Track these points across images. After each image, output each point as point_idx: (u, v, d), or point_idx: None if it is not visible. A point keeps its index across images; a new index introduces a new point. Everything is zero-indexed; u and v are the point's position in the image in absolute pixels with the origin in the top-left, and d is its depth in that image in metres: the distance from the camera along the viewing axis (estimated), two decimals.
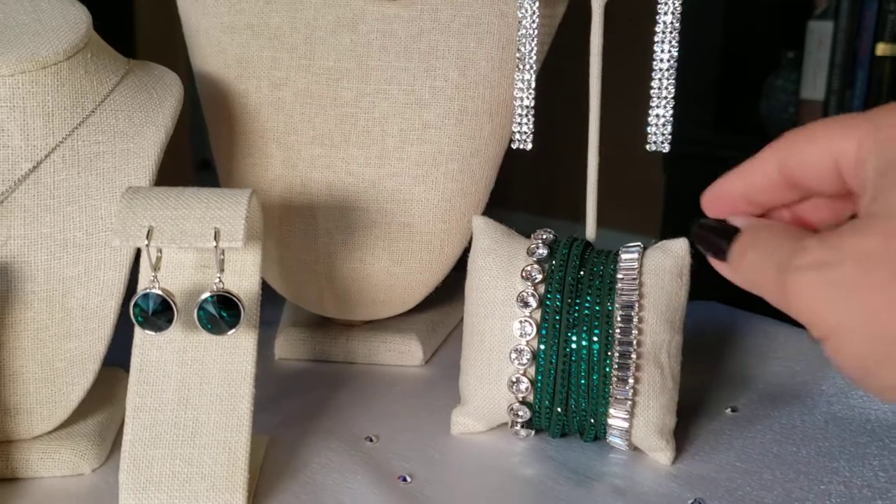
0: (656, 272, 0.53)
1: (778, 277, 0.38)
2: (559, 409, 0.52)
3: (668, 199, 2.29)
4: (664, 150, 0.58)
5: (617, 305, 0.52)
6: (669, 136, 0.57)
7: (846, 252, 0.35)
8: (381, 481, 0.51)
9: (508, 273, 0.54)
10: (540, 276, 0.53)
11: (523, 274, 0.53)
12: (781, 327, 0.72)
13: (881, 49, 1.96)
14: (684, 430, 0.55)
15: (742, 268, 0.42)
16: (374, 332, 0.67)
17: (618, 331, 0.51)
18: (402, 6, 0.61)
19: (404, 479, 0.51)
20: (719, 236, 0.44)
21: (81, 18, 0.54)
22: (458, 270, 0.65)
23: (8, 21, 0.53)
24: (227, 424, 0.48)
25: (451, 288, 0.69)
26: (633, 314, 0.51)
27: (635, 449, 0.54)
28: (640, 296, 0.52)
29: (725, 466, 0.53)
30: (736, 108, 2.18)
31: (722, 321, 0.75)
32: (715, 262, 0.45)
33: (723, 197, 0.46)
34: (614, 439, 0.53)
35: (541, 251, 0.53)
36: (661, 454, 0.53)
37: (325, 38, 0.61)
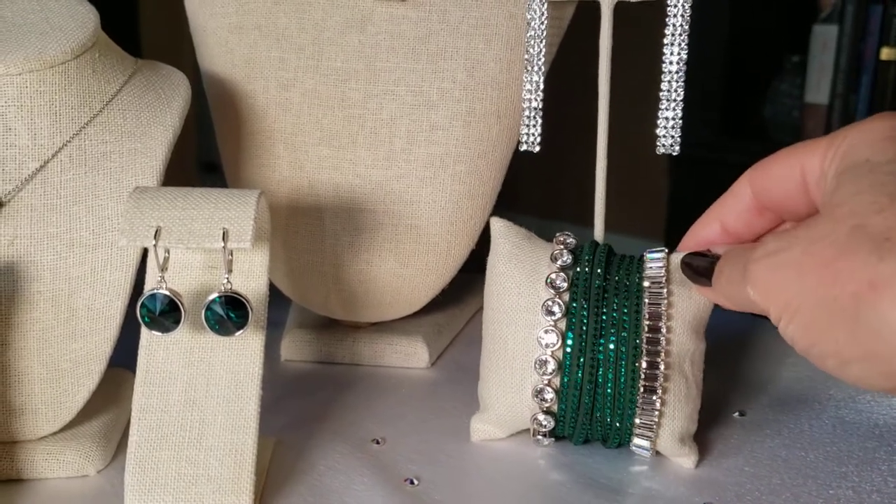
0: (684, 280, 0.51)
1: (742, 278, 0.42)
2: (584, 419, 0.52)
3: (673, 202, 2.29)
4: (674, 153, 0.57)
5: (644, 314, 0.51)
6: (679, 139, 0.57)
7: (797, 238, 0.39)
8: (387, 484, 0.51)
9: (532, 280, 0.53)
10: (565, 284, 0.52)
11: (547, 282, 0.52)
12: None
13: (886, 53, 1.96)
14: (695, 434, 0.55)
15: (720, 284, 0.46)
16: (380, 335, 0.67)
17: (645, 340, 0.50)
18: (411, 7, 0.60)
19: (411, 482, 0.51)
20: (703, 265, 0.48)
21: (89, 17, 0.54)
22: (465, 272, 0.65)
23: (16, 20, 0.52)
24: (233, 426, 0.48)
25: (458, 290, 0.69)
26: (660, 323, 0.50)
27: (657, 454, 0.53)
28: (668, 304, 0.51)
29: (734, 471, 0.53)
30: (741, 112, 2.18)
31: (731, 325, 0.75)
32: (703, 290, 0.49)
33: (701, 242, 0.50)
34: (638, 448, 0.52)
35: (565, 258, 0.52)
36: (684, 459, 0.53)
37: (334, 38, 0.61)
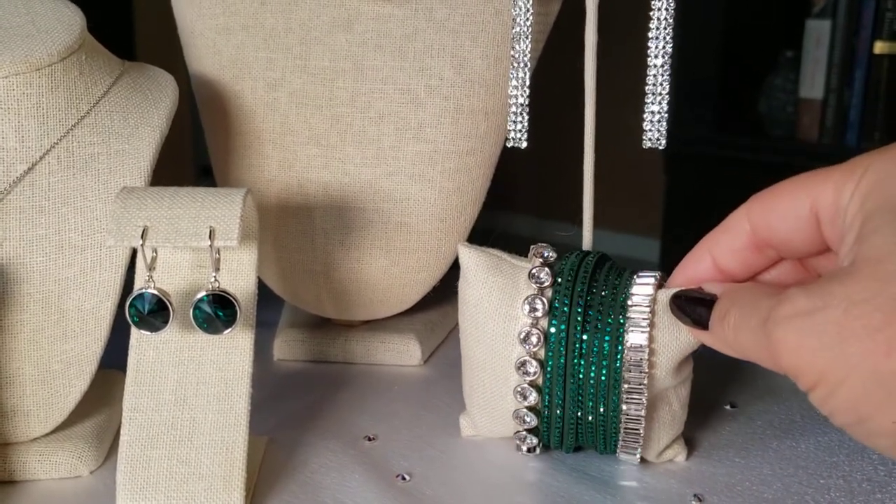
0: (672, 317, 0.47)
1: (761, 332, 0.37)
2: (569, 441, 0.51)
3: (669, 199, 2.29)
4: (660, 147, 0.58)
5: (627, 344, 0.47)
6: (665, 133, 0.57)
7: (833, 297, 0.34)
8: (380, 480, 0.51)
9: (507, 307, 0.50)
10: (542, 310, 0.48)
11: (523, 308, 0.49)
12: None
13: (879, 47, 1.96)
14: (685, 425, 0.55)
15: (725, 332, 0.41)
16: (372, 333, 0.67)
17: (628, 371, 0.47)
18: (397, 5, 0.61)
19: (403, 478, 0.51)
20: (698, 305, 0.43)
21: (75, 20, 0.54)
22: (457, 269, 0.65)
23: (1, 23, 0.53)
24: (224, 424, 0.48)
25: (450, 287, 0.69)
26: (642, 357, 0.47)
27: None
28: (651, 338, 0.47)
29: (725, 462, 0.53)
30: (735, 107, 2.19)
31: None
32: (696, 332, 0.45)
33: (693, 280, 0.46)
34: (625, 457, 0.51)
35: (543, 277, 0.49)
36: (674, 457, 0.53)
37: (321, 38, 0.61)
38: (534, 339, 0.49)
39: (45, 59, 0.51)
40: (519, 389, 0.50)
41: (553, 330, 0.48)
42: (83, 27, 0.54)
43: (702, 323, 0.43)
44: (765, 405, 0.60)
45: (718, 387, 0.63)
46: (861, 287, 0.33)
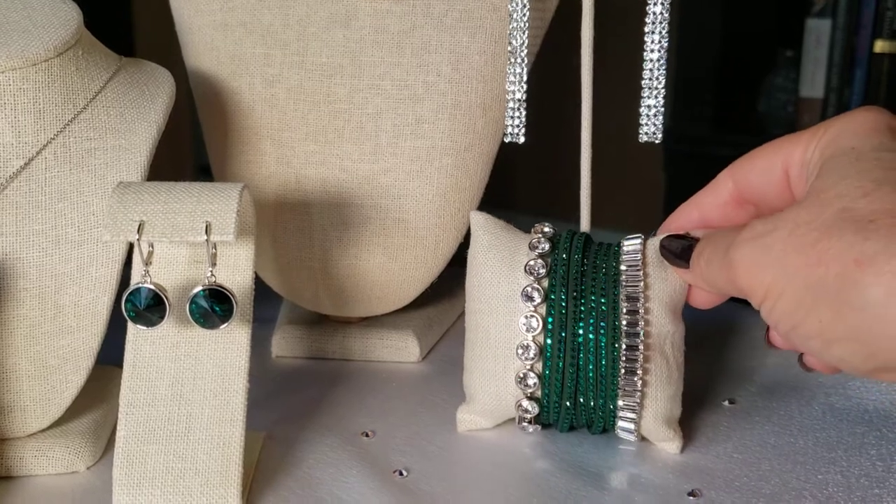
0: (659, 263, 0.52)
1: (725, 259, 0.42)
2: (568, 404, 0.52)
3: (669, 198, 2.29)
4: (656, 141, 0.58)
5: (622, 297, 0.51)
6: (661, 127, 0.57)
7: (782, 221, 0.39)
8: (377, 476, 0.51)
9: (511, 268, 0.53)
10: (543, 271, 0.52)
11: (526, 269, 0.52)
12: None
13: (879, 46, 1.96)
14: (682, 422, 0.55)
15: (701, 267, 0.47)
16: (370, 329, 0.67)
17: (624, 322, 0.51)
18: (395, 1, 0.60)
19: (400, 473, 0.51)
20: (682, 246, 0.49)
21: (72, 16, 0.54)
22: (455, 266, 0.65)
23: None
24: (220, 419, 0.48)
25: (448, 284, 0.69)
26: (638, 306, 0.51)
27: (643, 439, 0.54)
28: (645, 286, 0.52)
29: (723, 457, 0.53)
30: (735, 106, 2.18)
31: (721, 314, 0.74)
32: (680, 271, 0.51)
33: (680, 228, 0.52)
34: (623, 431, 0.52)
35: (543, 245, 0.53)
36: (669, 444, 0.53)
37: (318, 34, 0.61)
38: (536, 297, 0.52)
39: (41, 54, 0.51)
40: (522, 345, 0.52)
41: (553, 289, 0.52)
42: (80, 23, 0.54)
43: (685, 262, 0.49)
44: (763, 401, 0.60)
45: (717, 383, 0.63)
46: (805, 212, 0.38)
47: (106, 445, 0.54)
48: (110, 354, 0.53)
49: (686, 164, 2.19)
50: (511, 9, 0.58)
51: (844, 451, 0.54)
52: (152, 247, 0.48)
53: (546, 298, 0.52)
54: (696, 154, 2.15)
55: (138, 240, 0.46)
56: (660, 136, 0.57)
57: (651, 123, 0.58)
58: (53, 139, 0.51)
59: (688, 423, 0.56)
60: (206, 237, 0.46)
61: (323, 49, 0.61)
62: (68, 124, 0.52)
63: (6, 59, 0.50)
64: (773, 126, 2.13)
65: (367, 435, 0.56)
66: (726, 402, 0.60)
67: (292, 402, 0.60)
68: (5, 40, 0.51)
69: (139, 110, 0.54)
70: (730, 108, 2.19)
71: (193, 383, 0.49)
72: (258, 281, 0.58)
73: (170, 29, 0.67)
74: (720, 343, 0.70)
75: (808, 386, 0.62)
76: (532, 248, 0.53)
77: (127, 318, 0.47)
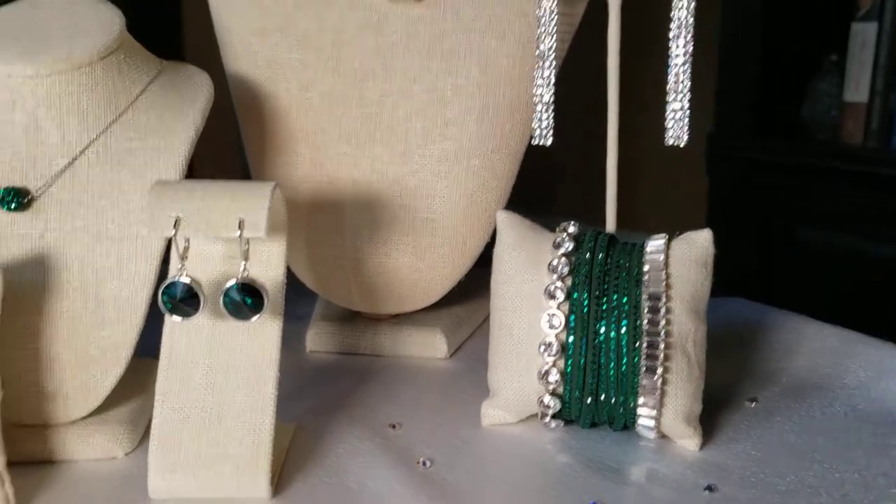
0: (682, 263, 0.53)
1: None
2: (589, 400, 0.53)
3: (712, 202, 2.28)
4: (681, 145, 0.59)
5: (644, 296, 0.52)
6: (687, 130, 0.58)
7: None
8: (402, 465, 0.52)
9: (535, 267, 0.55)
10: (567, 269, 0.53)
11: (550, 267, 0.54)
12: (808, 323, 0.73)
13: None
14: (704, 420, 0.56)
15: None
16: (400, 326, 0.69)
17: (646, 321, 0.52)
18: (425, 7, 0.62)
19: (424, 464, 0.53)
20: None
21: (115, 21, 0.56)
22: (485, 267, 0.67)
23: (46, 24, 0.55)
24: (252, 408, 0.50)
25: (478, 284, 0.70)
26: (660, 305, 0.52)
27: (663, 436, 0.54)
28: (667, 286, 0.53)
29: (741, 454, 0.54)
30: (778, 111, 2.17)
31: (749, 316, 0.76)
32: None
33: None
34: (643, 428, 0.53)
35: (567, 244, 0.54)
36: (688, 441, 0.54)
37: (351, 40, 0.63)
38: (559, 295, 0.53)
39: (85, 58, 0.53)
40: (544, 342, 0.53)
41: (576, 288, 0.53)
42: (122, 27, 0.56)
43: None
44: (786, 402, 0.61)
45: (742, 383, 0.63)
46: None
47: (143, 433, 0.56)
48: (147, 346, 0.55)
49: (729, 169, 2.18)
50: (539, 14, 0.59)
51: (864, 451, 0.54)
52: (188, 242, 0.50)
53: (569, 297, 0.53)
54: (738, 159, 2.14)
55: (175, 235, 0.48)
56: (685, 138, 0.58)
57: (677, 126, 0.59)
58: (96, 139, 0.54)
59: (710, 421, 0.57)
60: (239, 233, 0.48)
61: (356, 54, 0.63)
62: (110, 125, 0.54)
63: (53, 63, 0.53)
64: (817, 131, 2.11)
65: (394, 427, 0.57)
66: (749, 402, 0.60)
67: (324, 395, 0.62)
68: (52, 45, 0.54)
69: (178, 112, 0.56)
70: (773, 113, 2.18)
71: (226, 373, 0.51)
72: (294, 279, 0.60)
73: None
74: (748, 344, 0.70)
75: (832, 388, 0.63)
76: (556, 246, 0.54)
77: (163, 309, 0.49)
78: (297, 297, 0.54)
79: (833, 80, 2.09)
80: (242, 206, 0.48)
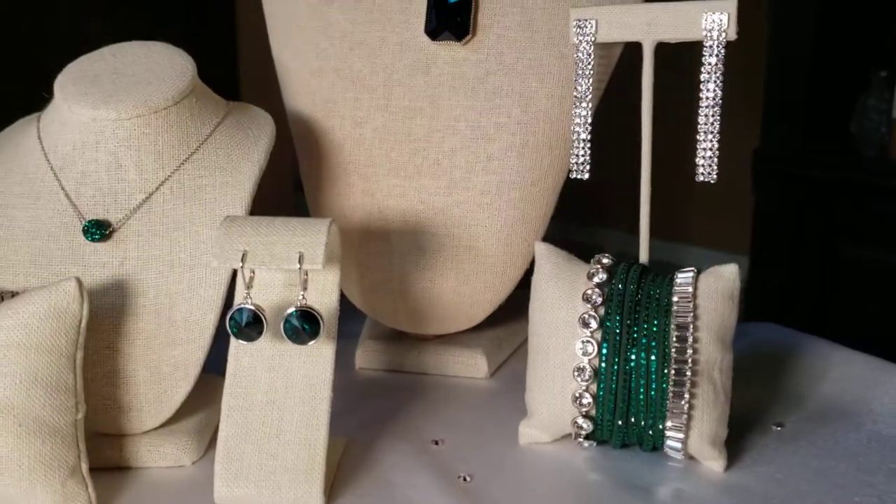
0: (709, 295, 0.57)
1: None
2: (620, 422, 0.57)
3: (759, 217, 2.28)
4: (711, 182, 0.62)
5: (673, 326, 0.56)
6: (716, 168, 0.61)
7: None
8: (443, 480, 0.56)
9: (570, 296, 0.58)
10: (600, 299, 0.57)
11: (584, 297, 0.57)
12: (837, 349, 0.75)
13: None
14: (730, 442, 0.59)
15: None
16: (444, 346, 0.73)
17: (674, 350, 0.55)
18: (471, 51, 0.67)
19: (465, 479, 0.57)
20: None
21: (188, 67, 0.62)
22: (524, 289, 0.71)
23: (126, 70, 0.61)
24: (307, 424, 0.55)
25: (518, 307, 0.74)
26: (688, 334, 0.56)
27: (690, 458, 0.58)
28: (695, 317, 0.56)
29: (764, 477, 0.56)
30: (826, 127, 2.17)
31: (779, 342, 0.78)
32: None
33: None
34: (671, 449, 0.57)
35: (601, 275, 0.58)
36: (714, 462, 0.57)
37: (402, 80, 0.68)
38: (592, 323, 0.57)
39: (161, 102, 0.59)
40: (578, 367, 0.57)
41: (609, 317, 0.57)
42: (194, 74, 0.62)
43: None
44: (811, 426, 0.63)
45: (769, 408, 0.66)
46: None
47: (208, 444, 0.61)
48: (213, 364, 0.60)
49: (776, 185, 2.18)
50: (577, 57, 0.63)
51: (885, 476, 0.56)
52: (253, 272, 0.55)
53: (602, 325, 0.57)
54: (786, 175, 2.14)
55: (242, 266, 0.53)
56: (714, 176, 0.62)
57: (707, 164, 0.62)
58: (170, 176, 0.59)
59: (736, 444, 0.60)
60: (298, 266, 0.53)
61: (406, 94, 0.68)
62: (183, 163, 0.59)
63: (132, 107, 0.58)
64: (866, 147, 2.10)
65: (437, 443, 0.61)
66: (775, 426, 0.63)
67: (372, 411, 0.67)
68: (131, 90, 0.59)
69: (244, 151, 0.62)
70: (821, 128, 2.17)
71: (285, 392, 0.56)
72: (344, 300, 0.65)
73: (271, 74, 0.74)
74: (774, 369, 0.73)
75: (858, 413, 0.65)
76: (590, 277, 0.58)
77: (230, 333, 0.54)
78: (348, 317, 0.58)
79: (882, 95, 2.09)
80: (302, 241, 0.53)
